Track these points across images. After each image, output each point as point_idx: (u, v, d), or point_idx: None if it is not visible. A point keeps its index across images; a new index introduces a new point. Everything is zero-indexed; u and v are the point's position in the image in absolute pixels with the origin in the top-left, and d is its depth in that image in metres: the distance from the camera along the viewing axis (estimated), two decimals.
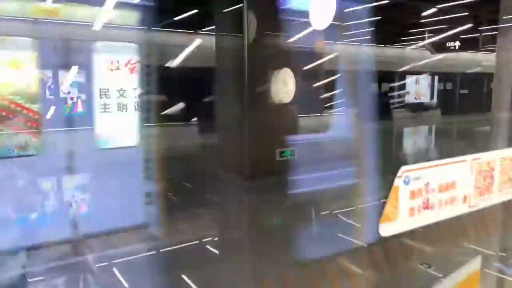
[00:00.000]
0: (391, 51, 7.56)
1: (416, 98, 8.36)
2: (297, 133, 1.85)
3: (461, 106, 7.99)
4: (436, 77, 8.48)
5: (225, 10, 1.71)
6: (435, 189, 1.02)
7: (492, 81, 3.18)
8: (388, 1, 2.75)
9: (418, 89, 8.34)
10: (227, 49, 1.76)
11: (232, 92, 1.73)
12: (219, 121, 1.77)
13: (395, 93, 7.86)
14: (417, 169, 0.98)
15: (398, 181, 0.94)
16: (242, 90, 1.62)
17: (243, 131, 1.65)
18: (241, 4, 1.58)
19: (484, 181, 1.14)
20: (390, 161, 3.07)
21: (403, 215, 0.96)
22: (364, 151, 2.56)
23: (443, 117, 7.69)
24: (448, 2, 3.99)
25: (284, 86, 1.68)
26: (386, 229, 0.93)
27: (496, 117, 2.63)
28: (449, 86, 8.69)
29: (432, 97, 8.43)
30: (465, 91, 8.36)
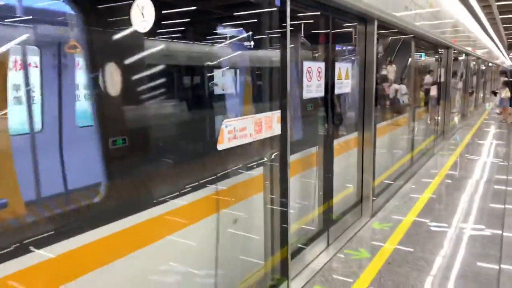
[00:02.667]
0: (202, 48, 9.06)
1: (223, 90, 10.26)
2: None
3: (257, 96, 10.22)
4: (238, 71, 10.51)
5: None
6: (238, 130, 2.31)
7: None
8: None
9: (224, 81, 10.21)
10: None
11: None
12: None
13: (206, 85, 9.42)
14: (231, 121, 2.24)
15: (223, 125, 2.18)
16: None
17: None
18: None
19: (258, 127, 2.50)
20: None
21: (225, 140, 2.20)
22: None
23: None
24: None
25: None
26: (220, 146, 2.16)
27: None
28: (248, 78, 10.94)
29: (235, 88, 10.43)
30: (260, 83, 10.72)
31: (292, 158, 3.56)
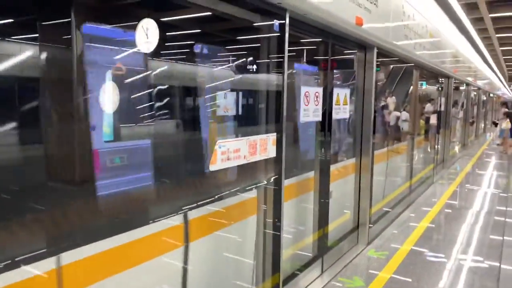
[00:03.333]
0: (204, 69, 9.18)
1: (225, 111, 10.35)
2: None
3: (259, 118, 10.28)
4: (240, 93, 10.63)
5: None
6: (231, 151, 2.30)
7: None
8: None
9: (226, 103, 10.32)
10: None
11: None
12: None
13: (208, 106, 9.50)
14: (224, 142, 2.24)
15: (216, 146, 2.17)
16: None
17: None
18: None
19: (252, 149, 2.49)
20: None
21: (218, 161, 2.19)
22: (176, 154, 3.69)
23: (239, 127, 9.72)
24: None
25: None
26: (212, 167, 2.14)
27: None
28: (250, 101, 11.04)
29: (237, 110, 10.51)
30: (262, 105, 10.80)
31: (288, 182, 3.56)
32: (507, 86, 35.31)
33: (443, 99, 9.82)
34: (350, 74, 4.81)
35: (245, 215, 2.87)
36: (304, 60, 4.22)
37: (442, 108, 9.87)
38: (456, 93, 12.74)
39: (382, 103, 8.67)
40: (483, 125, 20.32)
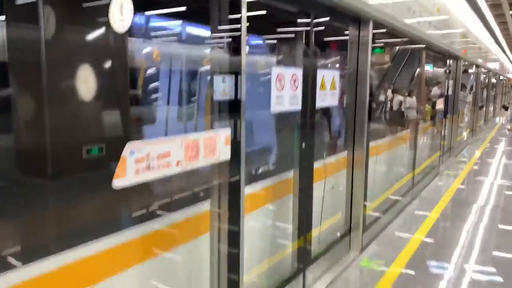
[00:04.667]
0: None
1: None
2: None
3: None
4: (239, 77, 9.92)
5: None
6: (154, 157, 1.65)
7: None
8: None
9: (224, 87, 9.64)
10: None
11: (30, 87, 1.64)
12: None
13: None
14: (140, 144, 1.59)
15: (125, 151, 1.52)
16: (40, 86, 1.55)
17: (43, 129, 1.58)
18: None
19: (192, 151, 1.84)
20: None
21: (130, 174, 1.55)
22: None
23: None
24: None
25: (84, 83, 1.69)
26: (118, 183, 1.50)
27: None
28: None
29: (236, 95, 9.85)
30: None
31: (259, 186, 2.92)
32: None
33: (451, 82, 9.05)
34: (342, 53, 4.12)
35: (194, 234, 2.24)
36: (277, 36, 3.53)
37: (450, 92, 9.12)
38: (465, 75, 11.97)
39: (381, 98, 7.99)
40: (492, 109, 19.45)
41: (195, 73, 3.43)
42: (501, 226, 4.86)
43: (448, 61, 8.98)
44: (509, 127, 14.30)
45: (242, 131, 2.14)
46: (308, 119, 3.13)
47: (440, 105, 9.03)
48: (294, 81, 2.87)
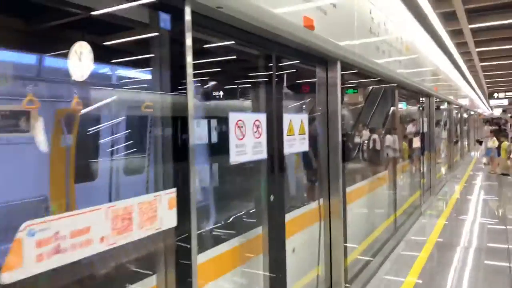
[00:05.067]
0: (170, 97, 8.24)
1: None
2: None
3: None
4: (212, 121, 9.67)
5: None
6: (66, 236, 1.29)
7: None
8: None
9: (199, 132, 9.34)
10: None
11: None
12: None
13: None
14: (44, 222, 1.23)
15: (20, 234, 1.16)
16: None
17: None
18: None
19: (123, 223, 1.49)
20: None
21: (28, 262, 1.18)
22: None
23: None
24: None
25: None
26: (7, 277, 1.13)
27: None
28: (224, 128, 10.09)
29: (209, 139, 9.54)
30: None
31: (222, 249, 2.55)
32: (486, 104, 35.34)
33: (425, 119, 9.04)
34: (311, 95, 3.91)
35: None
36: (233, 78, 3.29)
37: (425, 129, 9.08)
38: (438, 112, 12.10)
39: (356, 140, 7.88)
40: (467, 144, 19.75)
41: (144, 119, 3.16)
42: (487, 266, 4.56)
43: (420, 99, 9.02)
44: (484, 161, 14.40)
45: (192, 187, 1.81)
46: (276, 167, 2.83)
47: (416, 142, 8.95)
48: (257, 127, 2.60)
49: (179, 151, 1.79)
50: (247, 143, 2.48)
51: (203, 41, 2.16)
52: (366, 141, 8.64)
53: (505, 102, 33.98)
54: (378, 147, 7.25)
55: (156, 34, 1.83)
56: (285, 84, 4.01)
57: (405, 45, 5.79)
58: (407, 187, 7.88)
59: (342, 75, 3.70)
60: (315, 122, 3.86)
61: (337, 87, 3.65)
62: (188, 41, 1.80)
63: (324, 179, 3.73)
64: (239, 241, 2.66)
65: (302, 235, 3.36)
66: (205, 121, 4.41)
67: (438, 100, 10.18)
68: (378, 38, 4.39)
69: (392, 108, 7.78)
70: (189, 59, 1.81)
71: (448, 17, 9.48)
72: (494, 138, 12.32)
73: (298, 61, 3.40)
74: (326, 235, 3.72)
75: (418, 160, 8.86)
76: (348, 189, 4.78)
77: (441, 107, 12.83)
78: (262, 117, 2.65)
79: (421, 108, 9.32)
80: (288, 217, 3.09)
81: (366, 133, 9.02)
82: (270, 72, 2.77)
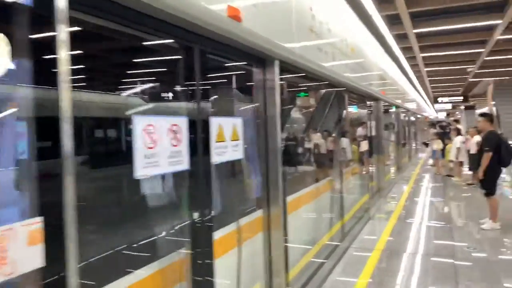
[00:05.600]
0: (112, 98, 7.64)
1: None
2: None
3: None
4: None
5: None
6: None
7: None
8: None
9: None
10: None
11: None
12: None
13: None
14: None
15: None
16: None
17: None
18: None
19: None
20: None
21: None
22: None
23: None
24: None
25: None
26: None
27: None
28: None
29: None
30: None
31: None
32: (432, 107, 37.00)
33: (373, 123, 9.06)
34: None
35: None
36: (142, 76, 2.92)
37: (373, 132, 9.10)
38: (387, 115, 12.28)
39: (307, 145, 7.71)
40: (414, 146, 20.40)
41: None
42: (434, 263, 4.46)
43: (368, 103, 9.03)
44: (431, 163, 14.84)
45: (70, 212, 1.41)
46: (201, 179, 2.48)
47: (365, 145, 8.94)
48: (175, 133, 2.23)
49: (47, 164, 1.39)
50: (160, 153, 2.10)
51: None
52: (316, 145, 8.49)
53: (449, 106, 35.74)
54: (323, 151, 7.08)
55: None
56: (225, 85, 3.67)
57: (351, 48, 5.64)
58: (356, 191, 7.80)
59: (286, 77, 3.42)
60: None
61: (275, 89, 3.36)
62: (63, 34, 1.41)
63: (263, 188, 3.43)
64: (147, 272, 2.25)
65: (236, 253, 3.02)
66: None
67: (386, 104, 10.29)
68: (320, 38, 4.17)
69: (343, 112, 7.69)
70: (63, 53, 1.42)
71: (393, 21, 9.61)
72: (439, 141, 12.67)
73: (232, 60, 3.06)
74: (265, 247, 3.41)
75: (368, 163, 8.86)
76: (293, 196, 4.53)
77: (390, 110, 13.07)
78: (183, 122, 2.29)
79: (369, 112, 9.35)
80: (218, 234, 2.74)
81: (316, 136, 8.89)
82: (191, 69, 2.41)
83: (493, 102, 22.81)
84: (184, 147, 2.27)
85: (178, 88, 2.44)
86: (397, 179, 11.84)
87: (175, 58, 2.40)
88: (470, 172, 10.41)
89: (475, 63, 17.16)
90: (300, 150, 9.92)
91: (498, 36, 11.50)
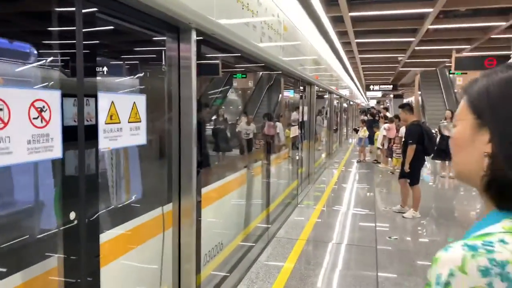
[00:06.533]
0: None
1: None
2: None
3: None
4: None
5: None
6: None
7: None
8: None
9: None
10: None
11: None
12: None
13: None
14: None
15: None
16: None
17: None
18: None
19: None
20: None
21: None
22: None
23: None
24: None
25: None
26: None
27: None
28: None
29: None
30: None
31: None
32: (364, 95, 38.52)
33: (305, 108, 8.91)
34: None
35: None
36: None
37: (305, 118, 8.96)
38: (320, 101, 12.29)
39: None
40: (345, 132, 20.99)
41: None
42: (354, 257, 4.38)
43: (302, 87, 8.84)
44: (359, 148, 15.28)
45: None
46: (82, 170, 1.98)
47: (295, 131, 8.81)
48: (41, 110, 1.70)
49: None
50: (13, 136, 1.58)
51: None
52: (247, 129, 8.16)
53: (379, 94, 37.44)
54: (251, 135, 6.78)
55: None
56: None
57: (283, 25, 5.29)
58: (285, 177, 7.63)
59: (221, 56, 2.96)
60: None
61: (191, 63, 2.90)
62: None
63: (174, 178, 3.00)
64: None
65: (132, 256, 2.57)
66: None
67: (319, 89, 10.21)
68: (247, 10, 3.74)
69: (279, 96, 7.42)
70: None
71: (330, 2, 9.44)
72: (365, 128, 12.99)
73: (134, 23, 2.54)
74: (174, 245, 3.01)
75: (298, 148, 8.73)
76: (215, 184, 4.16)
77: (324, 96, 13.12)
78: (52, 96, 1.76)
79: (303, 97, 9.18)
80: (108, 236, 2.27)
81: (247, 120, 8.55)
82: (72, 28, 1.87)
83: (420, 92, 24.13)
84: (54, 129, 1.76)
85: (50, 51, 1.90)
86: (327, 164, 11.97)
87: (47, 10, 1.85)
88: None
89: (405, 52, 17.82)
90: (229, 134, 9.57)
91: (428, 25, 11.86)
